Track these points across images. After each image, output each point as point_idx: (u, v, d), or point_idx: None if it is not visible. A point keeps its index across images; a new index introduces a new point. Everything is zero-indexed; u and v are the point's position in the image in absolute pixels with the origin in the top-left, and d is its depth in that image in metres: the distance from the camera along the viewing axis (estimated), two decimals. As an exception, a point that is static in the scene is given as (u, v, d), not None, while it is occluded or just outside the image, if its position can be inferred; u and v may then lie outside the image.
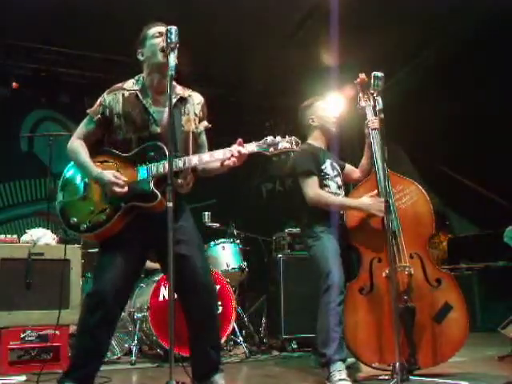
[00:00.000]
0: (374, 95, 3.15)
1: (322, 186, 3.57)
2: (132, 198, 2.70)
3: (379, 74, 3.14)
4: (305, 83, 6.70)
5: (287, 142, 2.67)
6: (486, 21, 5.83)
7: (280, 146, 2.66)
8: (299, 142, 2.70)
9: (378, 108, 3.15)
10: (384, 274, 3.35)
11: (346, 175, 3.87)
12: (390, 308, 3.15)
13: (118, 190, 2.68)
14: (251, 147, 2.68)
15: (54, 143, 5.01)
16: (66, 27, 5.99)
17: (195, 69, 6.68)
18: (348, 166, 3.93)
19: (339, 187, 3.68)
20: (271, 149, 2.66)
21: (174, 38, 2.52)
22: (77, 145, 2.84)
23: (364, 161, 3.80)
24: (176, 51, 2.54)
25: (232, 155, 2.65)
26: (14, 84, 6.87)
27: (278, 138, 2.67)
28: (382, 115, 3.18)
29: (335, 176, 3.67)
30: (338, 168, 3.75)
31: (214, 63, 6.89)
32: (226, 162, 2.69)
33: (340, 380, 3.13)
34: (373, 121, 3.63)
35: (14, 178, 7.21)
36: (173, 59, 2.51)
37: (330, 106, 3.90)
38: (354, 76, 3.78)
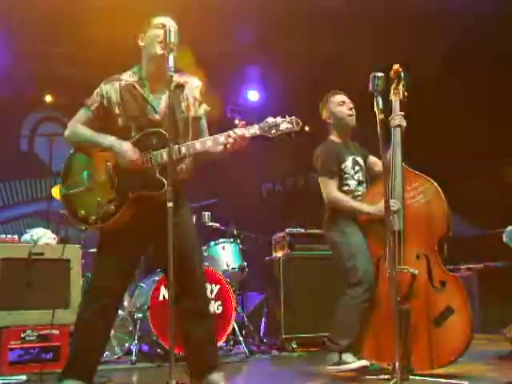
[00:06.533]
0: (375, 95, 3.12)
1: (342, 185, 3.55)
2: (138, 187, 2.66)
3: (379, 74, 3.13)
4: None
5: (288, 122, 2.63)
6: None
7: (282, 127, 2.62)
8: (299, 121, 2.66)
9: (377, 108, 3.13)
10: (387, 274, 3.31)
11: (369, 167, 3.80)
12: (388, 307, 3.12)
13: (134, 154, 2.63)
14: (253, 130, 2.65)
15: (54, 143, 5.02)
16: (66, 27, 5.99)
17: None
18: (371, 158, 3.83)
19: (360, 183, 3.62)
20: (273, 130, 2.62)
21: (173, 38, 2.51)
22: (80, 126, 2.80)
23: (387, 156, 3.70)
24: (175, 51, 2.52)
25: (234, 138, 2.63)
26: None
27: (279, 119, 2.63)
28: (382, 115, 3.17)
29: (356, 172, 3.62)
30: (362, 162, 3.69)
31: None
32: (229, 145, 2.67)
33: (354, 362, 3.25)
34: (395, 118, 3.54)
35: (14, 177, 7.21)
36: (171, 60, 2.49)
37: (345, 99, 3.71)
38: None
